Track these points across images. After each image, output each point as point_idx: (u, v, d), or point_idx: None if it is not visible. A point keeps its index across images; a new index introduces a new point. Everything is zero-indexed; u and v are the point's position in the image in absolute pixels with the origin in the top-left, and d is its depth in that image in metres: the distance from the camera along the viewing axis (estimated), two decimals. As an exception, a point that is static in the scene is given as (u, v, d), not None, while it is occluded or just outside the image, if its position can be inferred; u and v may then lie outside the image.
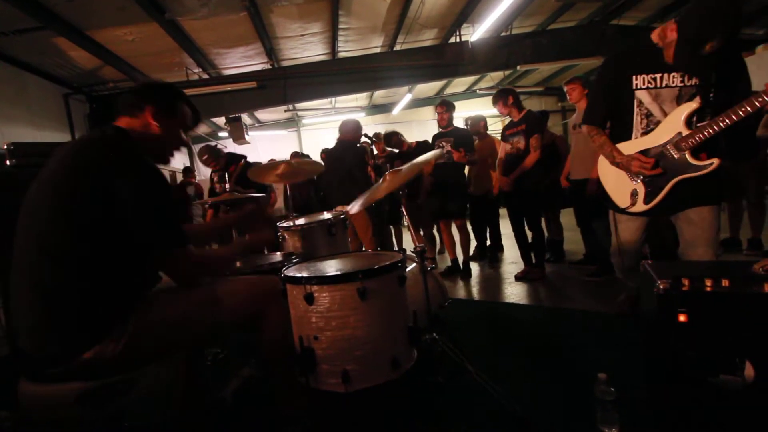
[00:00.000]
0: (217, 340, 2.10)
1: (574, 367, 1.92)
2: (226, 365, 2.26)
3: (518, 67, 7.71)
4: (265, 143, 10.98)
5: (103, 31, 5.48)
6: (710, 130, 1.64)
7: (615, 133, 1.93)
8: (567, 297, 3.07)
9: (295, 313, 1.56)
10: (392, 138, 4.67)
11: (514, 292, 3.33)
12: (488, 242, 4.72)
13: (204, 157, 4.27)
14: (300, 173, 2.66)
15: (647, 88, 1.77)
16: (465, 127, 4.52)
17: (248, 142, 8.48)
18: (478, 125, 4.57)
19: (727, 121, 1.59)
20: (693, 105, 1.68)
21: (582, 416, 1.46)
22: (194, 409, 1.54)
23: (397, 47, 7.39)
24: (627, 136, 1.86)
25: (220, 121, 9.51)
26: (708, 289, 1.29)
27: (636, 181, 1.88)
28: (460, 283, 3.81)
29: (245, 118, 9.74)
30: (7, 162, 2.46)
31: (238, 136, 8.17)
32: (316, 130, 12.35)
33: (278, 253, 2.30)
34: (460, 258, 4.07)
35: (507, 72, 9.85)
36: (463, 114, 11.77)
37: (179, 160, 9.20)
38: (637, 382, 1.49)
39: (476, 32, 6.79)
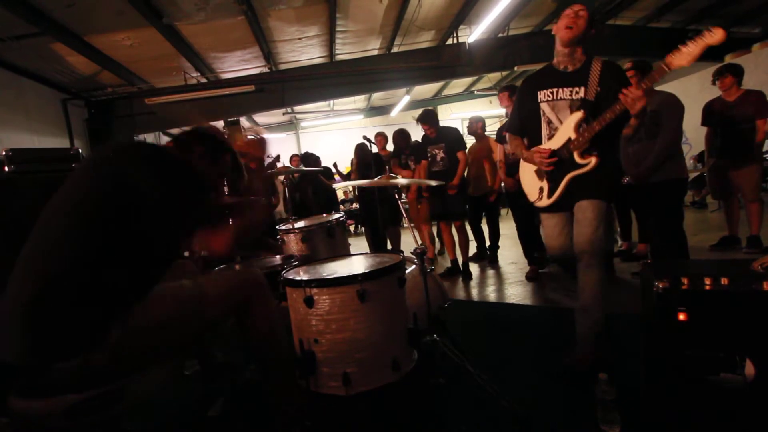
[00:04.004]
0: (205, 339, 2.03)
1: (574, 367, 1.92)
2: (226, 369, 2.25)
3: (516, 68, 7.72)
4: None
5: (102, 37, 5.49)
6: (587, 134, 1.94)
7: (530, 140, 2.25)
8: (567, 297, 3.07)
9: (295, 317, 1.56)
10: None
11: (515, 293, 3.33)
12: (488, 243, 4.72)
13: None
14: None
15: (547, 100, 2.11)
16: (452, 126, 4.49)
17: (247, 146, 8.47)
18: (476, 126, 4.58)
19: (598, 126, 1.90)
20: (579, 114, 1.99)
21: (582, 416, 1.46)
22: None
23: (395, 49, 7.41)
24: (539, 142, 2.18)
25: (219, 124, 9.50)
26: (707, 287, 1.29)
27: (543, 180, 2.18)
28: (460, 284, 3.81)
29: (243, 121, 9.74)
30: (6, 168, 2.46)
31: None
32: (314, 132, 12.37)
33: (278, 256, 2.31)
34: (460, 259, 4.07)
35: (504, 73, 9.87)
36: (461, 115, 11.89)
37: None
38: (637, 382, 1.49)
39: (473, 34, 6.80)
